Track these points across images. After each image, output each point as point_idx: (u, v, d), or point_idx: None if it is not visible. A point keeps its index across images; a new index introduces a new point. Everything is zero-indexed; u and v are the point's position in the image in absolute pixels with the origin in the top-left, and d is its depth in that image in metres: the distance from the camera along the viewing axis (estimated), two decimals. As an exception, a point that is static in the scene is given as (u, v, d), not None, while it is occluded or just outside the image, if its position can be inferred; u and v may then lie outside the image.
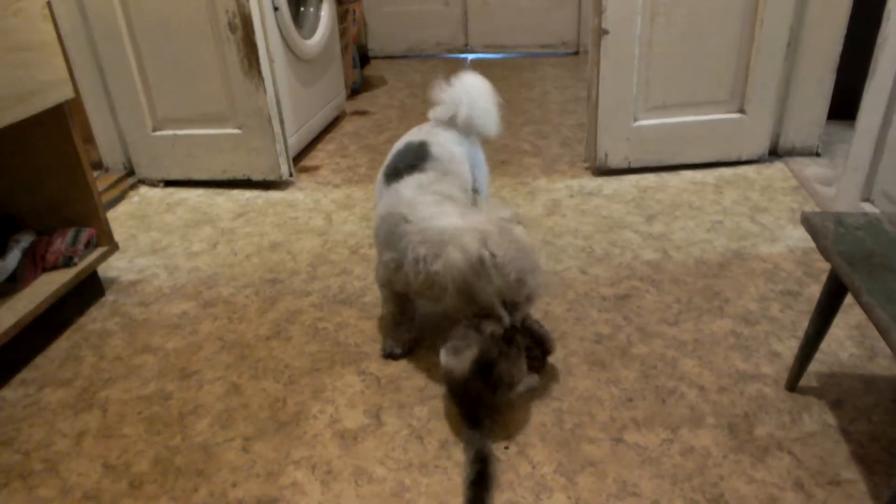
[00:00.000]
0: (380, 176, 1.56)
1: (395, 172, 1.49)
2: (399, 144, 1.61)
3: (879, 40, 1.63)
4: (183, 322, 1.70)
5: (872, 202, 1.69)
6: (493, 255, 1.17)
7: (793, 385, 1.36)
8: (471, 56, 4.18)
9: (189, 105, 2.39)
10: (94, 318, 1.73)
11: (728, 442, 1.24)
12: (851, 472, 1.17)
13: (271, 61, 2.30)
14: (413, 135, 1.62)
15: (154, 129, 2.45)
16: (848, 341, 1.48)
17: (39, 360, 1.59)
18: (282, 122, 2.38)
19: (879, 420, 1.28)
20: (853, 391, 1.35)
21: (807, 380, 1.37)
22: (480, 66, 3.96)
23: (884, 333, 0.97)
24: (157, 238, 2.14)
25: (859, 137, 1.71)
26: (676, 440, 1.25)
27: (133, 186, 2.53)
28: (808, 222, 1.26)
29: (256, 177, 2.44)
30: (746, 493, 1.14)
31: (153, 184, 2.54)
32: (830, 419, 1.29)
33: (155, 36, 2.28)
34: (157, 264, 1.98)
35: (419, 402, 1.37)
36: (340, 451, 1.26)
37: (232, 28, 2.20)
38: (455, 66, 3.99)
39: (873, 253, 1.14)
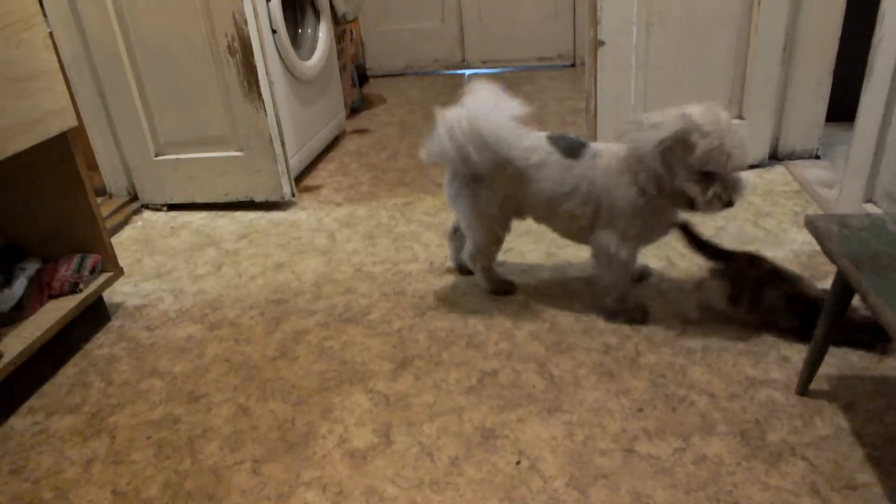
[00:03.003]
0: (556, 157, 1.56)
1: (578, 146, 1.57)
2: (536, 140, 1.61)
3: (875, 42, 1.64)
4: (189, 345, 1.70)
5: (875, 203, 1.69)
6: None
7: (803, 389, 1.35)
8: (468, 72, 4.21)
9: (190, 129, 2.40)
10: (101, 344, 1.73)
11: (741, 449, 1.23)
12: (867, 476, 1.16)
13: (271, 83, 2.32)
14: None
15: (156, 154, 2.47)
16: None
17: (47, 387, 1.59)
18: (283, 142, 2.39)
19: (892, 422, 1.27)
20: (864, 394, 1.34)
21: (817, 383, 1.36)
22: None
23: (894, 334, 0.97)
24: (161, 262, 2.14)
25: (859, 139, 1.71)
26: (689, 449, 1.24)
27: (137, 211, 2.54)
28: (811, 225, 1.25)
29: (259, 198, 2.45)
30: (762, 499, 1.13)
31: (156, 208, 2.55)
32: (843, 422, 1.28)
33: (155, 61, 2.30)
34: (163, 288, 1.98)
35: (428, 419, 1.36)
36: (351, 471, 1.26)
37: (231, 51, 2.21)
38: (453, 82, 4.02)
39: (879, 253, 1.13)
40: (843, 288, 1.21)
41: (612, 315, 1.63)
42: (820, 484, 1.15)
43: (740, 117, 2.33)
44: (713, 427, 1.28)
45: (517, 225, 1.73)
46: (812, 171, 2.33)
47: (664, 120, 1.42)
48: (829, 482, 1.15)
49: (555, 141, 1.58)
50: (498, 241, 1.72)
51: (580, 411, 1.35)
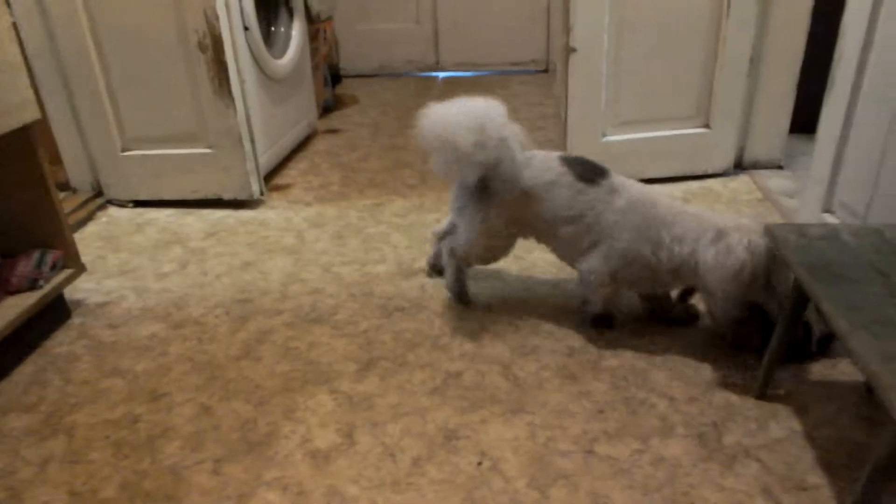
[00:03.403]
0: (569, 179, 1.52)
1: (595, 172, 1.53)
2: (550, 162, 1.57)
3: (836, 56, 1.68)
4: (152, 344, 1.67)
5: (833, 213, 1.73)
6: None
7: (760, 393, 1.38)
8: (442, 74, 4.22)
9: (159, 125, 2.37)
10: (61, 342, 1.70)
11: (698, 451, 1.25)
12: (817, 477, 1.19)
13: (242, 81, 2.30)
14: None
15: (123, 150, 2.43)
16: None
17: (3, 385, 1.55)
18: (252, 141, 2.37)
19: (843, 425, 1.30)
20: (818, 398, 1.38)
21: (773, 387, 1.40)
22: (451, 85, 4.00)
23: (844, 340, 1.00)
24: (125, 259, 2.11)
25: (819, 151, 1.76)
26: (647, 451, 1.26)
27: (101, 207, 2.50)
28: (770, 233, 1.29)
29: (227, 196, 2.43)
30: (716, 500, 1.15)
31: (122, 204, 2.51)
32: (796, 425, 1.31)
33: (124, 56, 2.26)
34: (126, 286, 1.95)
35: (392, 419, 1.37)
36: (312, 471, 1.25)
37: (202, 48, 2.19)
38: (426, 84, 4.03)
39: (833, 262, 1.17)
40: (799, 295, 1.25)
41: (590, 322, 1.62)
42: (772, 485, 1.17)
43: (707, 126, 2.37)
44: (672, 429, 1.31)
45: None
46: (775, 181, 2.38)
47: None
48: (780, 483, 1.18)
49: (569, 163, 1.54)
50: (492, 260, 1.71)
51: (542, 413, 1.36)
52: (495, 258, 1.71)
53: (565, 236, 1.54)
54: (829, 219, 1.73)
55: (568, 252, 1.60)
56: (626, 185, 1.52)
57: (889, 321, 1.00)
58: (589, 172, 1.52)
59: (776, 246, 1.25)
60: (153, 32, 2.20)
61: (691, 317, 1.64)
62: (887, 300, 1.05)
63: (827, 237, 1.25)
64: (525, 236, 1.65)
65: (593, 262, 1.53)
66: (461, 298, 1.75)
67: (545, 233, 1.59)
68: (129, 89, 2.32)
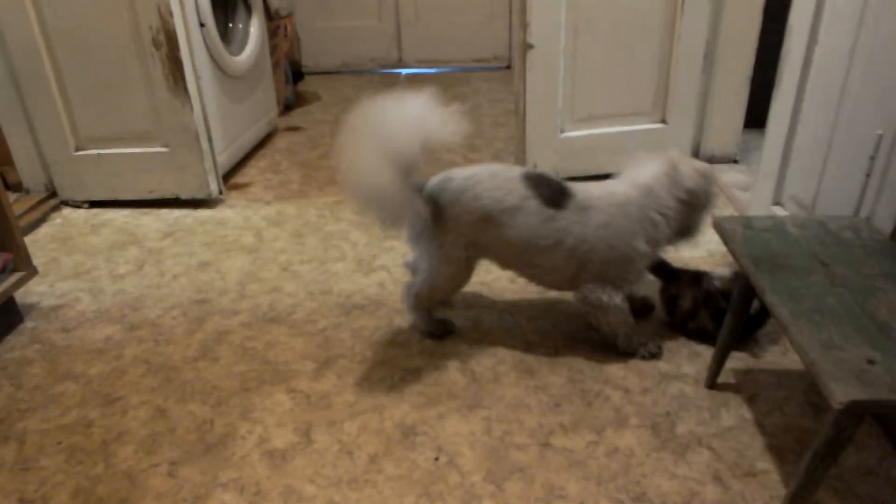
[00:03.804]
0: (534, 204, 1.42)
1: (560, 193, 1.44)
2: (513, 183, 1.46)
3: (783, 53, 1.72)
4: (107, 347, 1.65)
5: (783, 206, 1.78)
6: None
7: (712, 383, 1.42)
8: (404, 71, 4.21)
9: (113, 123, 2.33)
10: (12, 347, 1.66)
11: (651, 441, 1.28)
12: (766, 463, 1.22)
13: (198, 78, 2.27)
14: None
15: (77, 149, 2.38)
16: (763, 338, 1.55)
17: (-49, 392, 1.51)
18: (210, 139, 2.34)
19: (791, 412, 1.34)
20: (768, 386, 1.41)
21: (725, 377, 1.43)
22: (414, 81, 3.99)
23: (785, 330, 1.02)
24: (80, 261, 2.07)
25: (769, 145, 1.80)
26: (602, 442, 1.28)
27: (55, 208, 2.44)
28: (718, 227, 1.31)
29: (185, 195, 2.39)
30: (668, 489, 1.17)
31: (77, 205, 2.46)
32: (747, 413, 1.34)
33: (75, 53, 2.21)
34: (81, 288, 1.92)
35: (349, 417, 1.37)
36: (269, 471, 1.25)
37: (156, 44, 2.16)
38: (389, 81, 4.02)
39: (777, 254, 1.20)
40: (746, 286, 1.28)
41: (629, 355, 1.53)
42: (722, 472, 1.20)
43: (664, 122, 2.41)
44: (626, 420, 1.33)
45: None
46: (730, 175, 2.43)
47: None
48: (730, 470, 1.21)
49: (532, 183, 1.43)
50: (457, 288, 1.59)
51: (499, 407, 1.37)
52: (459, 286, 1.58)
53: (546, 265, 1.46)
54: (780, 211, 1.78)
55: (548, 278, 1.52)
56: (591, 196, 1.44)
57: (828, 310, 1.03)
58: (555, 195, 1.43)
59: (724, 239, 1.28)
60: (105, 29, 2.16)
61: (648, 308, 1.67)
62: (828, 290, 1.09)
63: (772, 229, 1.28)
64: (484, 258, 1.54)
65: (591, 287, 1.46)
66: (442, 331, 1.62)
67: (513, 260, 1.50)
68: (82, 87, 2.27)
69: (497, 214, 1.42)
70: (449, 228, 1.45)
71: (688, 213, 1.49)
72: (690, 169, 1.48)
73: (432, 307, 1.61)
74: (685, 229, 1.53)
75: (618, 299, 1.46)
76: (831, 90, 1.53)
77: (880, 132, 1.34)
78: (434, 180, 1.47)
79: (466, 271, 1.53)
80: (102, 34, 2.17)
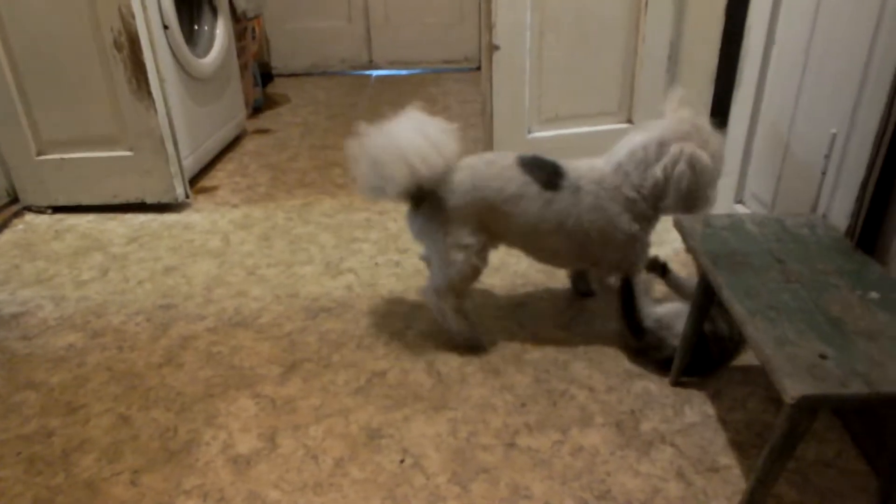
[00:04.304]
0: (534, 189, 1.44)
1: (554, 174, 1.45)
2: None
3: (742, 53, 1.75)
4: (69, 354, 1.62)
5: (744, 203, 1.80)
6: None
7: (676, 380, 1.43)
8: (375, 72, 4.20)
9: (76, 127, 2.29)
10: (-30, 356, 1.63)
11: (615, 439, 1.29)
12: (728, 458, 1.24)
13: (162, 81, 2.24)
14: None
15: (38, 153, 2.34)
16: (726, 336, 1.57)
17: None
18: (176, 142, 2.31)
19: (753, 408, 1.36)
20: (731, 382, 1.43)
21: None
22: (385, 83, 3.99)
23: (742, 326, 1.04)
24: (42, 267, 2.03)
25: (730, 144, 1.82)
26: (567, 441, 1.29)
27: (18, 214, 2.40)
28: (679, 225, 1.33)
29: (150, 200, 2.36)
30: (632, 486, 1.18)
31: (40, 210, 2.42)
32: (710, 410, 1.36)
33: (35, 55, 2.17)
34: (43, 295, 1.88)
35: (315, 421, 1.36)
36: (233, 477, 1.23)
37: (118, 46, 2.13)
38: (360, 83, 4.01)
39: (736, 251, 1.22)
40: (707, 283, 1.29)
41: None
42: (686, 468, 1.22)
43: (630, 122, 2.43)
44: (591, 419, 1.34)
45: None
46: (695, 174, 2.46)
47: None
48: (693, 466, 1.22)
49: (528, 168, 1.45)
50: (476, 274, 1.51)
51: (465, 408, 1.37)
52: (475, 274, 1.51)
53: (550, 247, 1.49)
54: (741, 209, 1.80)
55: (560, 260, 1.58)
56: (580, 175, 1.46)
57: (783, 307, 1.05)
58: (550, 176, 1.44)
59: (684, 236, 1.29)
60: (66, 30, 2.12)
61: (604, 289, 1.67)
62: (783, 286, 1.11)
63: (731, 227, 1.30)
64: (497, 243, 1.54)
65: (616, 277, 1.49)
66: (476, 341, 1.56)
67: (521, 243, 1.53)
68: (43, 90, 2.23)
69: (500, 204, 1.43)
70: (452, 218, 1.45)
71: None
72: (679, 150, 1.40)
73: (459, 304, 1.53)
74: (690, 202, 1.44)
75: (637, 289, 1.48)
76: (788, 89, 1.56)
77: (834, 131, 1.37)
78: None
79: (480, 257, 1.49)
80: (63, 36, 2.13)
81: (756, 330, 1.00)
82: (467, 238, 1.46)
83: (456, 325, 1.53)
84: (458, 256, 1.47)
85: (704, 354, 1.44)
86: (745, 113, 1.75)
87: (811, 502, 1.14)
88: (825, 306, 1.05)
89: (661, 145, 1.42)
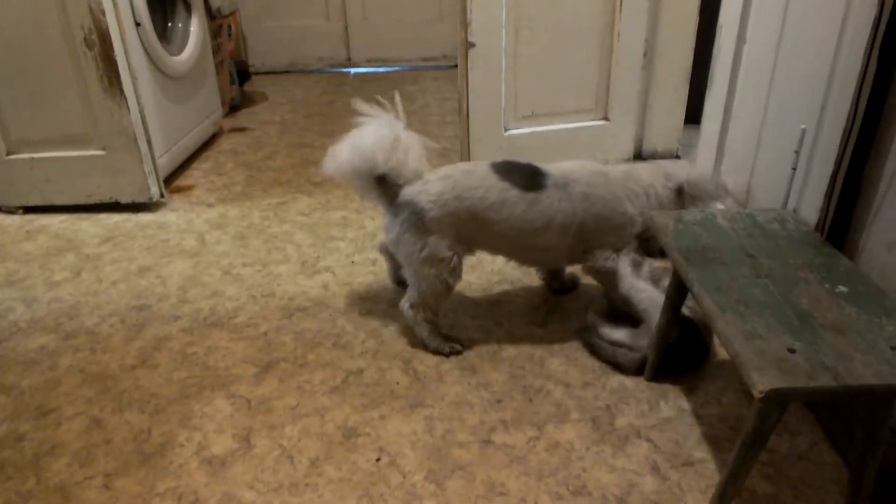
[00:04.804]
0: (515, 193, 1.46)
1: (534, 176, 1.50)
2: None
3: (714, 52, 1.77)
4: (41, 357, 1.59)
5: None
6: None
7: (651, 375, 1.44)
8: (353, 70, 4.19)
9: (47, 126, 2.25)
10: (-62, 360, 1.60)
11: (591, 434, 1.29)
12: (702, 452, 1.25)
13: (134, 79, 2.21)
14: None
15: (8, 153, 2.30)
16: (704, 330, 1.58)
17: None
18: (149, 141, 2.29)
19: (727, 402, 1.37)
20: (706, 377, 1.45)
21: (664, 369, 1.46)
22: (363, 81, 3.97)
23: (712, 321, 1.05)
24: (13, 269, 2.00)
25: (703, 141, 1.84)
26: (542, 437, 1.29)
27: (-13, 215, 2.36)
28: (651, 220, 1.34)
29: (124, 199, 2.33)
30: (607, 481, 1.19)
31: (10, 211, 2.38)
32: (685, 404, 1.37)
33: (4, 52, 2.13)
34: (13, 297, 1.85)
35: (290, 421, 1.35)
36: (208, 479, 1.22)
37: (89, 44, 2.10)
38: (338, 81, 3.99)
39: (707, 247, 1.23)
40: (679, 278, 1.30)
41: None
42: (660, 462, 1.23)
43: (606, 119, 2.44)
44: (567, 415, 1.34)
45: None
46: (671, 170, 2.48)
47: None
48: (668, 460, 1.23)
49: (504, 173, 1.47)
50: (447, 290, 1.51)
51: (441, 406, 1.37)
52: (450, 288, 1.51)
53: (541, 245, 1.50)
54: (716, 204, 1.82)
55: (550, 257, 1.60)
56: (566, 172, 1.51)
57: (753, 301, 1.06)
58: (530, 179, 1.47)
59: (656, 232, 1.30)
60: (35, 28, 2.09)
61: (574, 284, 1.77)
62: (753, 281, 1.12)
63: (703, 222, 1.31)
64: (476, 250, 1.55)
65: (597, 256, 1.53)
66: (449, 350, 1.54)
67: (507, 248, 1.57)
68: (12, 89, 2.19)
69: (482, 212, 1.45)
70: (431, 230, 1.44)
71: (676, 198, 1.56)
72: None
73: (433, 319, 1.54)
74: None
75: (623, 263, 1.51)
76: (760, 87, 1.58)
77: (804, 126, 1.39)
78: (410, 187, 1.46)
79: (453, 274, 1.49)
80: (32, 33, 2.10)
81: (726, 324, 1.01)
82: (444, 251, 1.46)
83: (429, 339, 1.54)
84: (431, 271, 1.47)
85: (696, 343, 1.46)
86: (717, 110, 1.76)
87: (784, 494, 1.16)
88: (794, 300, 1.06)
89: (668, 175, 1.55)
